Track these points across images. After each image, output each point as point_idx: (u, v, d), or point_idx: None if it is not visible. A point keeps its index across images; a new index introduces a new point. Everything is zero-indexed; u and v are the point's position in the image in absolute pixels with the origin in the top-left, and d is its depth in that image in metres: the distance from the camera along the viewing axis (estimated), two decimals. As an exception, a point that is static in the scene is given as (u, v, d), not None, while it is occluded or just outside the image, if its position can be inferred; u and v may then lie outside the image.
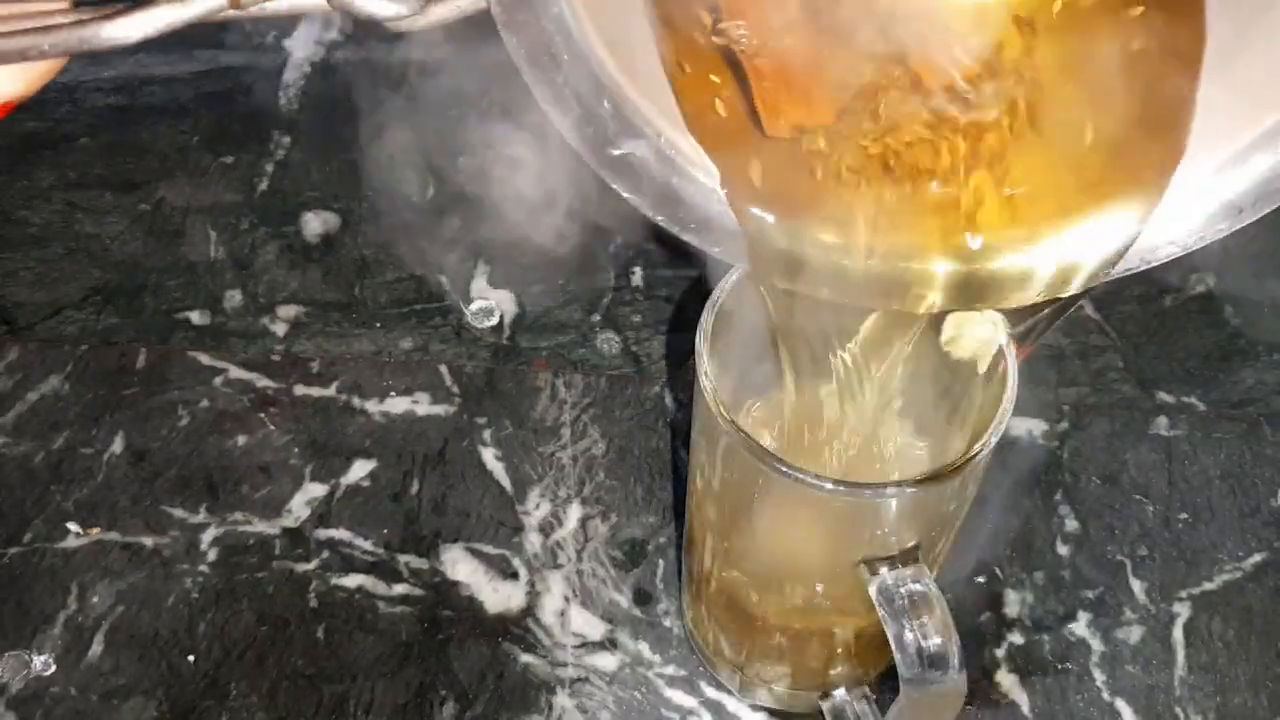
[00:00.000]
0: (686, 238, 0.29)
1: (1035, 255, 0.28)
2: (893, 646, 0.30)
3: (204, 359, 0.50)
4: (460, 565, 0.44)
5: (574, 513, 0.46)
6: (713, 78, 0.28)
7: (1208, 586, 0.44)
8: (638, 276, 0.53)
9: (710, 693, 0.42)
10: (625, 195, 0.29)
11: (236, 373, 0.50)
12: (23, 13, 0.22)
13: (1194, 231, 0.29)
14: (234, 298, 0.52)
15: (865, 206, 0.28)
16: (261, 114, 0.59)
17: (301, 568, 0.44)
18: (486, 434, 0.48)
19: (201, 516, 0.46)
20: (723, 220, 0.29)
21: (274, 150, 0.58)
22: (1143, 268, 0.29)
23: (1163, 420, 0.48)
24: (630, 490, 0.47)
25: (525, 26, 0.25)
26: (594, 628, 0.43)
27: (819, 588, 0.34)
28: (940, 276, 0.29)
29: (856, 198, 0.28)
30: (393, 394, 0.49)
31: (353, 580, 0.44)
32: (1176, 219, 0.28)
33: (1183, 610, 0.43)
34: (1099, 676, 0.42)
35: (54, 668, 0.42)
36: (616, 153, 0.28)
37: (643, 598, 0.44)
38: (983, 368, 0.33)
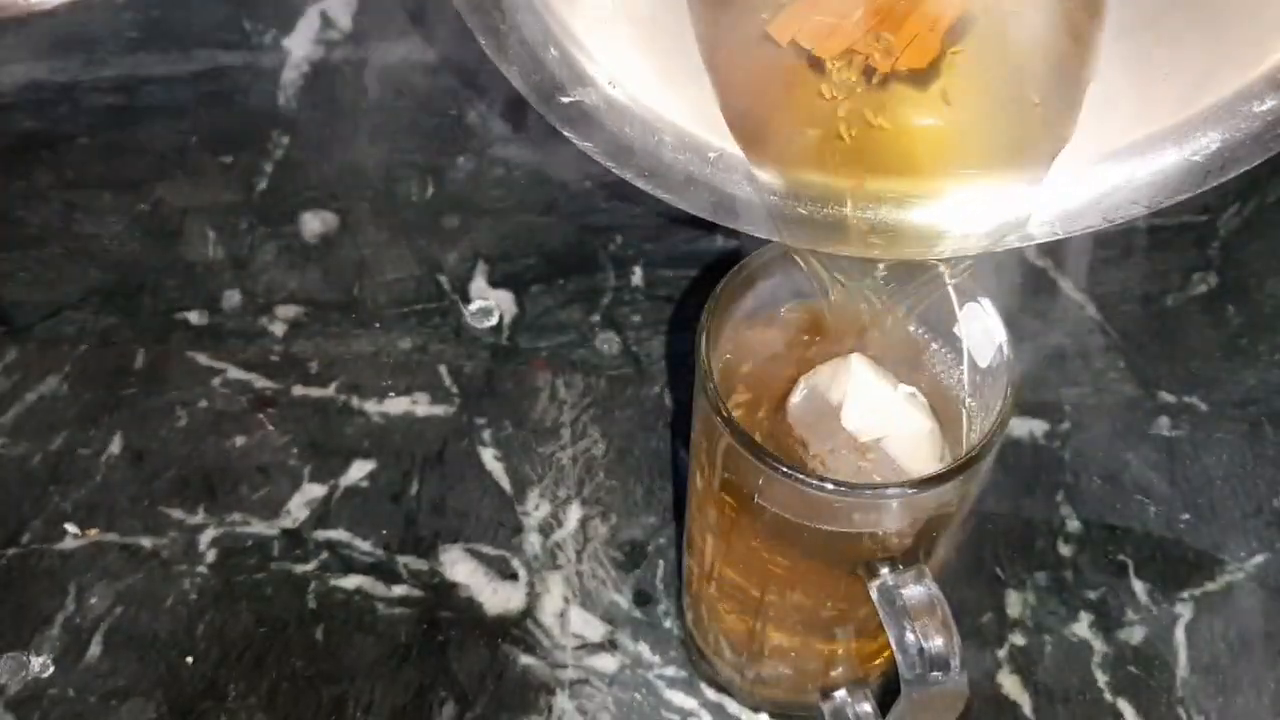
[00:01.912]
0: (639, 184, 0.30)
1: (944, 208, 0.30)
2: (894, 648, 0.30)
3: (202, 359, 0.50)
4: (459, 566, 0.44)
5: (574, 513, 0.46)
6: None
7: (1210, 587, 0.44)
8: (638, 276, 0.53)
9: (710, 694, 0.41)
10: (576, 142, 0.29)
11: (235, 373, 0.50)
12: None
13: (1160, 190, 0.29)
14: (232, 298, 0.52)
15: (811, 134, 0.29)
16: (260, 114, 0.59)
17: (300, 569, 0.44)
18: (486, 434, 0.48)
19: (200, 517, 0.45)
20: (674, 167, 0.30)
21: (273, 150, 0.57)
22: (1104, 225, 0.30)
23: (1164, 420, 0.48)
24: (630, 490, 0.46)
25: None
26: (594, 629, 0.43)
27: (819, 589, 0.34)
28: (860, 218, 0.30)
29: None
30: (392, 394, 0.49)
31: (352, 581, 0.44)
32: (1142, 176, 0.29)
33: (1185, 611, 0.43)
34: (1101, 677, 0.42)
35: (52, 669, 0.41)
36: (566, 100, 0.28)
37: (643, 599, 0.44)
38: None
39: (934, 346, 0.35)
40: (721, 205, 0.31)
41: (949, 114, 0.30)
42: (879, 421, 0.33)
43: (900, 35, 0.28)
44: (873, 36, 0.28)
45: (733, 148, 0.30)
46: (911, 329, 0.35)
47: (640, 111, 0.29)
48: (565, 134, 0.28)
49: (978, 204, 0.30)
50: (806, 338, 0.36)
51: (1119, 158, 0.29)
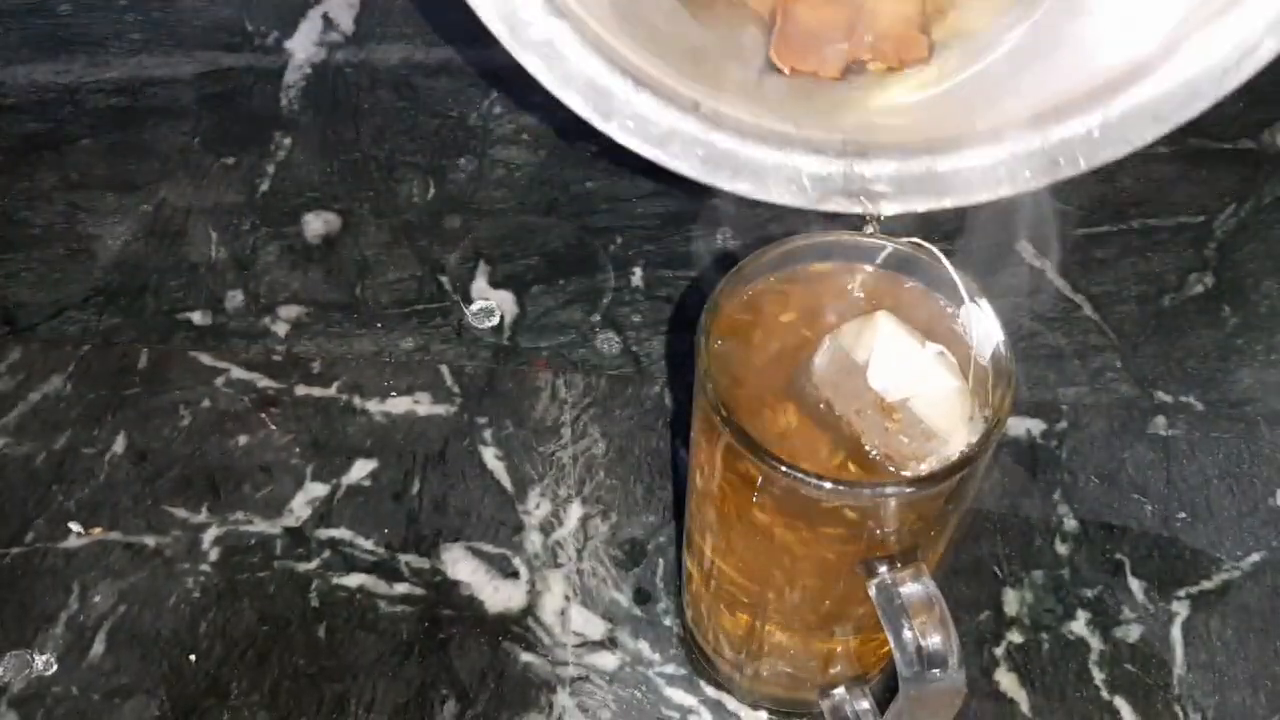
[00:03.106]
0: (605, 129, 0.29)
1: None
2: (892, 645, 0.30)
3: (205, 359, 0.50)
4: (461, 564, 0.45)
5: (574, 512, 0.46)
6: None
7: (1206, 585, 0.44)
8: (638, 276, 0.53)
9: (710, 691, 0.42)
10: (540, 80, 0.28)
11: (238, 373, 0.50)
12: None
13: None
14: (235, 298, 0.53)
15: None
16: (263, 115, 0.59)
17: (303, 567, 0.44)
18: (487, 434, 0.48)
19: (203, 516, 0.46)
20: (644, 112, 0.30)
21: (275, 151, 0.58)
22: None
23: (1161, 420, 0.49)
24: (630, 490, 0.47)
25: None
26: (594, 627, 0.43)
27: (818, 587, 0.35)
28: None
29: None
30: (394, 394, 0.49)
31: (354, 580, 0.44)
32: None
33: (1181, 609, 0.44)
34: (1098, 675, 0.42)
35: (56, 667, 0.42)
36: (538, 36, 0.28)
37: (643, 597, 0.44)
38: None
39: (950, 312, 0.35)
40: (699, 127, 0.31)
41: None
42: (906, 381, 0.32)
43: (886, 41, 0.28)
44: (865, 48, 0.28)
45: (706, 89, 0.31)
46: (926, 294, 0.34)
47: (615, 54, 0.29)
48: (530, 70, 0.28)
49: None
50: (810, 318, 0.35)
51: (1140, 75, 0.29)
